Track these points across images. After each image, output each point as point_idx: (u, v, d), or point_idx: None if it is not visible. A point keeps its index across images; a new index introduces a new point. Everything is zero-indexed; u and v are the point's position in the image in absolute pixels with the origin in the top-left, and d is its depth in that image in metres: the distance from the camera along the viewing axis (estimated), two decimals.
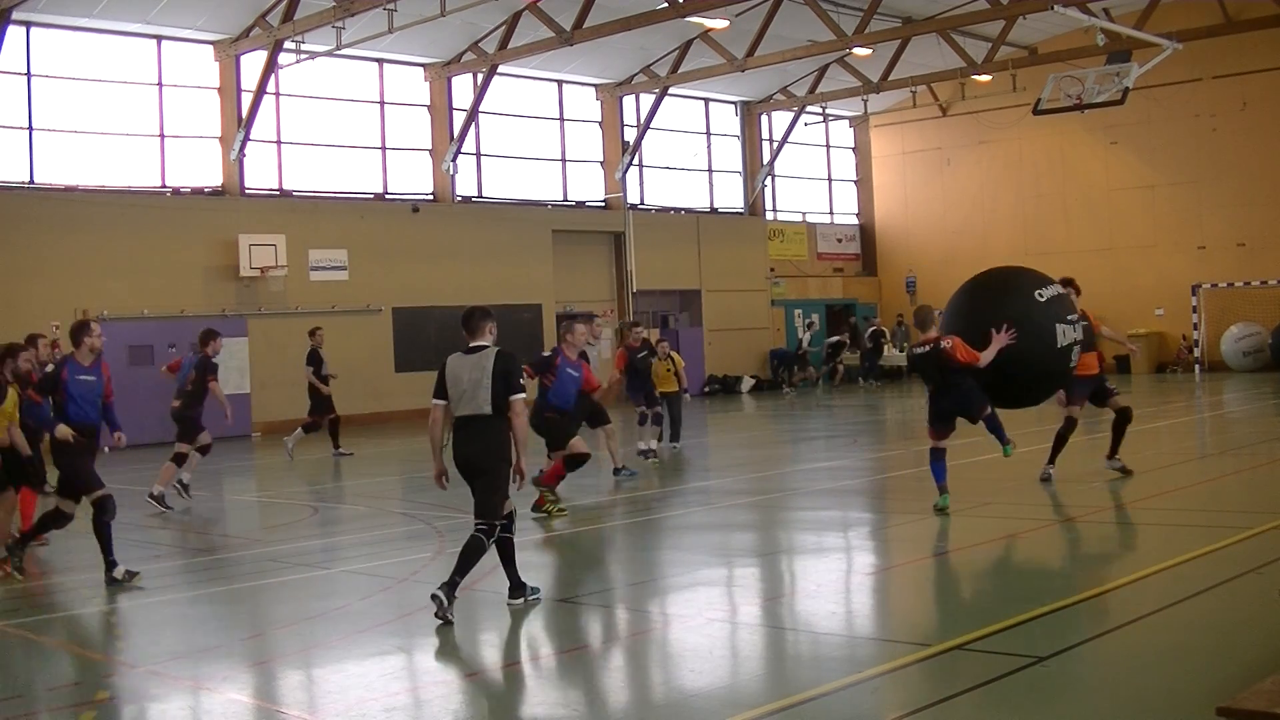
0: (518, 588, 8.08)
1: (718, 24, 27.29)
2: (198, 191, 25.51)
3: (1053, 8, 24.42)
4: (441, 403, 8.01)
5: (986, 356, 10.99)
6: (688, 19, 26.15)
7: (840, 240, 39.01)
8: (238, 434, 24.85)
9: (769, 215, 36.71)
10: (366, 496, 14.74)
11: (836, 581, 9.01)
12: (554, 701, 6.04)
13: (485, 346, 7.98)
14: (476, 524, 7.85)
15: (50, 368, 10.15)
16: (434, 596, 7.62)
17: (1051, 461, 12.80)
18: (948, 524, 11.20)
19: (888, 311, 38.32)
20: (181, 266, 24.70)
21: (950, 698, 5.80)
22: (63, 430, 9.55)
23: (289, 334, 25.66)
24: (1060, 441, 12.77)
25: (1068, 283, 12.42)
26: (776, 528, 11.02)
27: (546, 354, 13.08)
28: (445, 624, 7.55)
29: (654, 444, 16.68)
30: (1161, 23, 27.73)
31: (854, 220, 39.57)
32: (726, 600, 8.51)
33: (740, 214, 35.87)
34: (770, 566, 9.62)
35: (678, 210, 34.42)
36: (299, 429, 19.60)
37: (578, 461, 12.24)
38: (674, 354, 18.22)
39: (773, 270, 36.00)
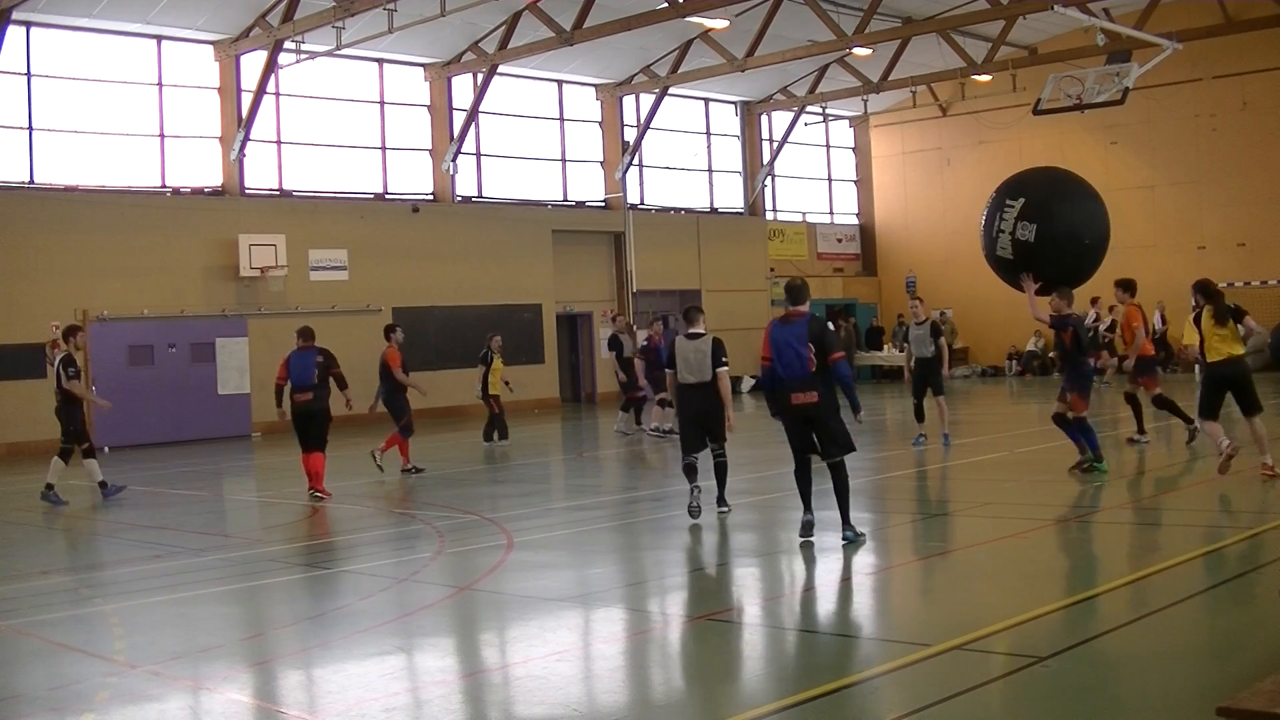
0: (722, 500, 11.62)
1: (718, 24, 27.28)
2: (198, 191, 25.51)
3: (1053, 8, 24.42)
4: (672, 371, 11.56)
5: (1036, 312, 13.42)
6: (688, 19, 26.15)
7: (840, 240, 39.01)
8: (238, 434, 24.88)
9: (769, 215, 36.71)
10: (366, 496, 14.74)
11: (836, 581, 9.00)
12: (554, 701, 6.03)
13: (702, 334, 11.47)
14: (715, 449, 11.55)
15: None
16: (722, 511, 11.47)
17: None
18: (948, 524, 11.21)
19: (888, 311, 38.30)
20: (181, 266, 24.70)
21: (950, 698, 5.79)
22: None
23: (289, 334, 25.57)
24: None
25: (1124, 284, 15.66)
26: (776, 528, 11.02)
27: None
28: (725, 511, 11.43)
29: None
30: (1161, 23, 27.71)
31: (854, 220, 39.56)
32: (726, 600, 8.51)
33: (740, 214, 35.87)
34: (770, 566, 9.62)
35: (678, 210, 34.42)
36: (626, 410, 20.45)
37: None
38: (498, 355, 19.62)
39: (773, 270, 35.98)
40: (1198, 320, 12.17)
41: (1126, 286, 15.34)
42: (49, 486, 14.72)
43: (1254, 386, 12.25)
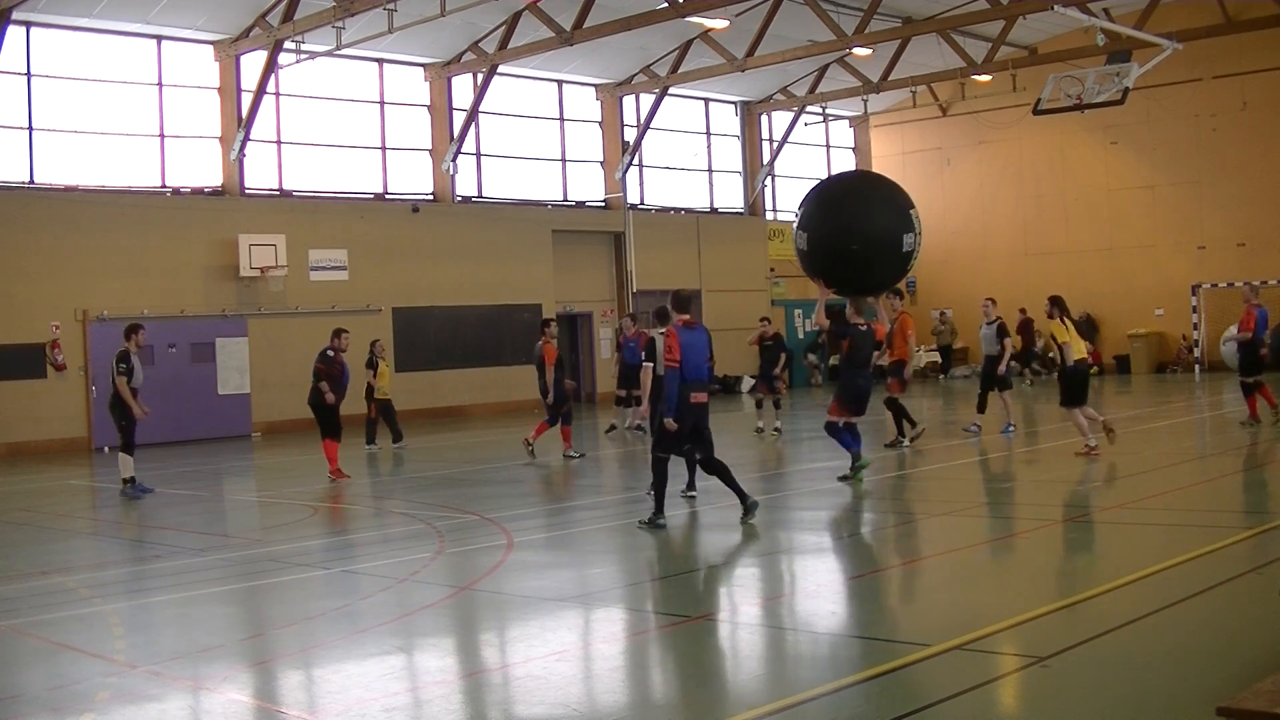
0: (690, 485, 12.42)
1: (718, 24, 27.28)
2: (198, 191, 25.51)
3: (1053, 8, 24.43)
4: (651, 365, 11.66)
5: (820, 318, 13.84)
6: (688, 19, 26.14)
7: None
8: (238, 434, 24.89)
9: (769, 215, 36.71)
10: (366, 496, 14.74)
11: (836, 581, 9.00)
12: (554, 701, 6.04)
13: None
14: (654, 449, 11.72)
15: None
16: (687, 496, 12.15)
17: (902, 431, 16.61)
18: (948, 524, 11.21)
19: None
20: (181, 266, 24.71)
21: (950, 698, 5.79)
22: None
23: (289, 334, 25.67)
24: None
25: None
26: (776, 528, 11.02)
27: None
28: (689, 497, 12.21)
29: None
30: (1161, 23, 27.73)
31: None
32: (726, 600, 8.51)
33: (740, 214, 35.87)
34: (770, 566, 9.62)
35: (678, 210, 34.42)
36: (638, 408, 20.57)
37: None
38: (382, 359, 20.10)
39: (773, 270, 35.99)
40: (1062, 322, 14.50)
41: (900, 295, 17.15)
42: (127, 481, 14.90)
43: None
